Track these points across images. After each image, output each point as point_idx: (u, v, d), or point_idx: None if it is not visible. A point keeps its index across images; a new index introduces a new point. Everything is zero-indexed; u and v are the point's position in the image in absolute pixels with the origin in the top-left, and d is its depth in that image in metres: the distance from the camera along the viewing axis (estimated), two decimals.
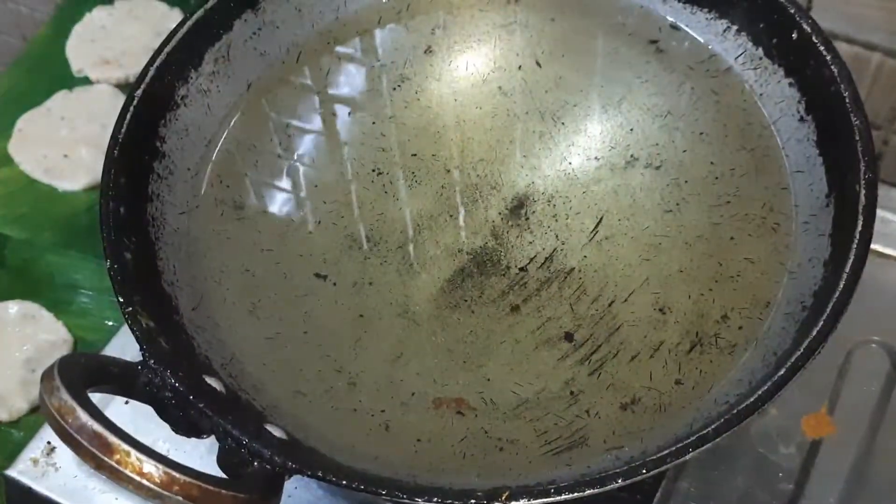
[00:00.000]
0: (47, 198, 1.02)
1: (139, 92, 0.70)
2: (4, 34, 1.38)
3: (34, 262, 0.97)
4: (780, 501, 0.71)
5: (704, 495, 0.71)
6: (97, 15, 1.13)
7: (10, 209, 1.01)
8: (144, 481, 0.50)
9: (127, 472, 0.50)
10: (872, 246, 0.67)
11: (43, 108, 1.07)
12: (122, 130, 0.68)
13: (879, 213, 0.65)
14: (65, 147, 1.04)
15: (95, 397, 0.71)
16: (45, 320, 0.92)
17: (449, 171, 0.75)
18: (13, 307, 0.93)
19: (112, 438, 0.50)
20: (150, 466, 0.50)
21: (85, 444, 0.50)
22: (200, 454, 0.72)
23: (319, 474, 0.56)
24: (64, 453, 0.76)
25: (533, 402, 0.65)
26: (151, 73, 0.71)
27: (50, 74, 1.10)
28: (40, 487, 0.75)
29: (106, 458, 0.50)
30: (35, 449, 0.77)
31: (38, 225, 1.00)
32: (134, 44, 1.10)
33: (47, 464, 0.76)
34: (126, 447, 0.50)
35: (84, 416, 0.51)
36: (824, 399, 0.75)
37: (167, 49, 0.72)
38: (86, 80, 1.09)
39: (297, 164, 0.76)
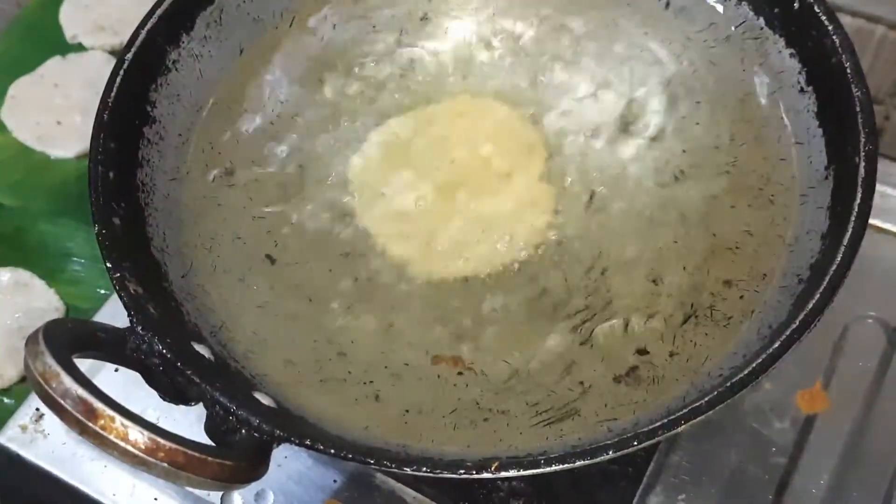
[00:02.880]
0: (40, 165, 1.01)
1: (130, 55, 0.69)
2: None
3: (26, 230, 0.97)
4: (773, 476, 0.71)
5: (697, 469, 0.71)
6: None
7: (2, 176, 1.00)
8: (129, 447, 0.50)
9: (112, 437, 0.49)
10: (871, 221, 0.66)
11: (36, 75, 1.06)
12: (112, 94, 0.67)
13: (879, 187, 0.64)
14: (58, 114, 1.03)
15: (85, 365, 0.72)
16: (37, 288, 0.92)
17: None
18: (5, 275, 0.92)
19: (97, 404, 0.50)
20: (135, 432, 0.50)
21: (69, 409, 0.50)
22: (190, 422, 0.70)
23: (307, 443, 0.55)
24: (53, 420, 0.75)
25: (525, 374, 0.65)
26: (142, 36, 0.70)
27: (43, 41, 1.09)
28: (28, 454, 0.74)
29: (90, 424, 0.49)
30: (24, 416, 0.77)
31: (30, 192, 0.99)
32: (128, 10, 1.09)
33: (36, 431, 0.76)
34: (111, 413, 0.49)
35: (69, 381, 0.50)
36: (819, 374, 0.75)
37: (158, 12, 0.70)
38: (80, 47, 1.08)
39: (291, 131, 0.75)
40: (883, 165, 0.68)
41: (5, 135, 1.02)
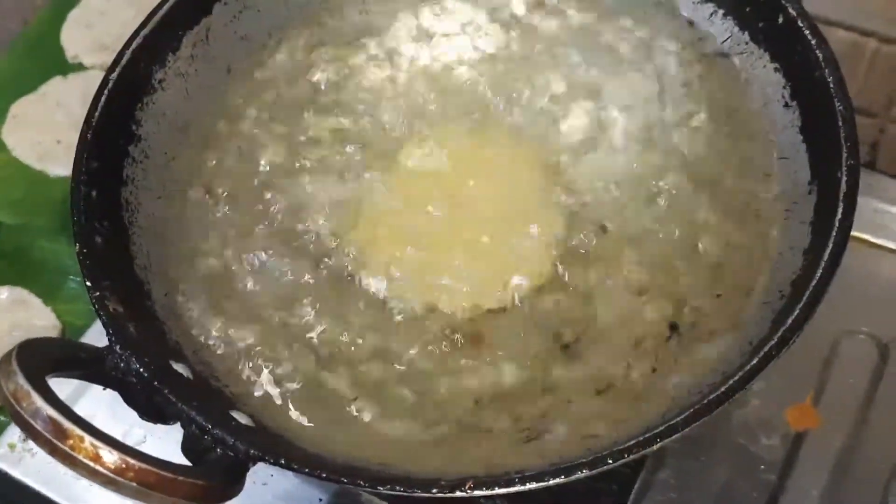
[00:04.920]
0: (40, 183, 1.01)
1: (114, 75, 0.69)
2: (6, 18, 1.38)
3: (26, 248, 0.97)
4: (761, 493, 0.70)
5: (684, 486, 0.70)
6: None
7: (2, 195, 1.00)
8: (98, 467, 0.50)
9: (80, 457, 0.50)
10: (863, 235, 0.65)
11: (38, 94, 1.06)
12: (97, 114, 0.68)
13: (872, 203, 0.64)
14: (58, 133, 1.03)
15: (73, 383, 0.72)
16: (34, 306, 0.92)
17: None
18: (4, 293, 0.92)
19: (66, 424, 0.50)
20: (104, 452, 0.50)
21: (39, 429, 0.50)
22: (176, 440, 0.70)
23: (281, 462, 0.55)
24: None
25: (509, 389, 0.64)
26: (127, 56, 0.70)
27: (45, 60, 1.10)
28: (16, 472, 0.75)
29: (60, 444, 0.50)
30: (12, 434, 0.77)
31: (30, 211, 1.00)
32: (130, 29, 1.09)
33: (24, 449, 0.76)
34: (80, 433, 0.50)
35: (39, 402, 0.50)
36: (809, 390, 0.74)
37: (144, 32, 0.71)
38: (80, 66, 1.09)
39: (279, 149, 0.75)
40: (877, 180, 0.67)
41: (5, 153, 1.03)
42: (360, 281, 0.68)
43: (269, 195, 0.72)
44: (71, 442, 0.50)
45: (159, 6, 0.72)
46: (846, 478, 0.71)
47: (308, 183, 0.73)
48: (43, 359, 0.54)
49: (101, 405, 0.73)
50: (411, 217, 0.71)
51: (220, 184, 0.73)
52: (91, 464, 0.50)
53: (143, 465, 0.50)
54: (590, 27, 0.78)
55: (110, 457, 0.50)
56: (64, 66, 1.09)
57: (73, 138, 1.01)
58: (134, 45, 0.70)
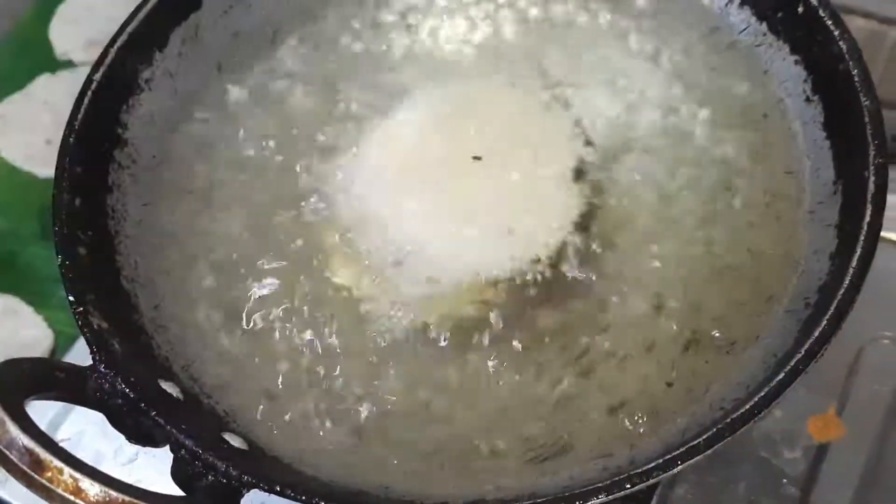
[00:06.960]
0: (29, 186, 0.99)
1: (98, 76, 0.66)
2: None
3: (15, 254, 0.94)
4: None
5: (703, 502, 0.67)
6: None
7: None
8: (79, 501, 0.46)
9: (59, 490, 0.46)
10: (890, 236, 0.62)
11: (25, 93, 1.03)
12: (79, 116, 0.65)
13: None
14: (47, 133, 1.00)
15: None
16: (25, 315, 0.90)
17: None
18: None
19: (44, 455, 0.46)
20: (86, 485, 0.46)
21: (14, 460, 0.47)
22: (171, 457, 0.68)
23: (277, 489, 0.52)
24: None
25: (518, 406, 0.61)
26: (112, 55, 0.67)
27: (33, 58, 1.07)
28: (2, 493, 0.72)
29: (36, 476, 0.46)
30: None
31: (18, 214, 0.97)
32: (119, 24, 1.06)
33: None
34: (59, 464, 0.46)
35: (14, 430, 0.47)
36: (833, 399, 0.71)
37: (129, 29, 0.68)
38: (69, 63, 1.06)
39: (269, 150, 0.71)
40: None
41: None
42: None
43: (264, 200, 0.69)
44: (49, 474, 0.46)
45: (145, 1, 0.69)
46: (872, 491, 0.68)
47: (309, 178, 0.70)
48: (19, 382, 0.51)
49: (90, 422, 0.70)
50: None
51: (212, 188, 0.69)
52: (71, 497, 0.46)
53: (129, 498, 0.47)
54: (602, 15, 0.74)
55: (92, 489, 0.46)
56: (52, 64, 1.06)
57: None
58: (118, 43, 0.67)
